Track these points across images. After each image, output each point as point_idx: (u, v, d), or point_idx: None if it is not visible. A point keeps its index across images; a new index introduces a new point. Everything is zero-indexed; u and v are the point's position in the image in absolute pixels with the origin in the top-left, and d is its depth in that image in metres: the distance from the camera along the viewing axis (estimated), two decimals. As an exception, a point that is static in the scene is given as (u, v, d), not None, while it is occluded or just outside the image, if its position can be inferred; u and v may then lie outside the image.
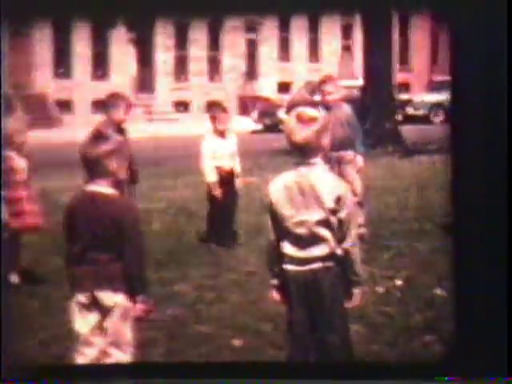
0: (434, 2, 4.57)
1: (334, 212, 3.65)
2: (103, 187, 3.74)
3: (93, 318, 3.79)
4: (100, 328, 3.78)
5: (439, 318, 5.22)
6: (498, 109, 3.95)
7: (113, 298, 3.75)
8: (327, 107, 7.42)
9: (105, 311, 3.77)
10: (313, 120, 3.66)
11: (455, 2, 4.06)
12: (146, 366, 4.12)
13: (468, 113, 4.04)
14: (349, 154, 7.66)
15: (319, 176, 3.69)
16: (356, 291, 3.80)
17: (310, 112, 3.70)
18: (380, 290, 5.86)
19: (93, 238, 3.71)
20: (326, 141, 3.71)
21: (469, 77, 4.03)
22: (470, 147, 4.03)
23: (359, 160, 7.73)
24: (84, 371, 3.91)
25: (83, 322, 3.80)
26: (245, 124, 22.25)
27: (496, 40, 3.95)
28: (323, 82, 7.71)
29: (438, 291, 5.79)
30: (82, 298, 3.79)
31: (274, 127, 23.42)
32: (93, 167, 3.72)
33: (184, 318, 5.48)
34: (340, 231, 3.68)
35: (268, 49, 30.68)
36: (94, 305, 3.77)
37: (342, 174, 7.30)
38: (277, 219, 3.76)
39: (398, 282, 6.06)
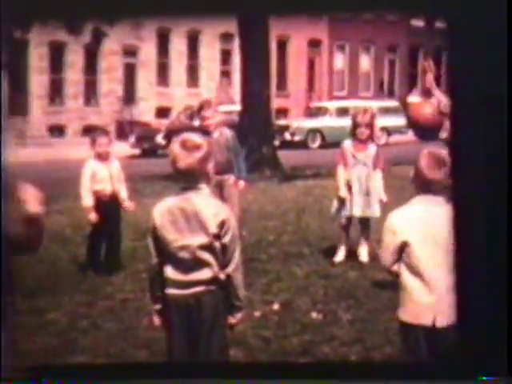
0: (434, 2, 4.60)
1: (217, 237, 3.68)
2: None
3: None
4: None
5: (315, 342, 5.28)
6: (498, 112, 4.00)
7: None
8: (206, 132, 7.45)
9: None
10: (197, 147, 3.69)
11: (455, 3, 4.09)
12: (145, 365, 3.97)
13: (468, 118, 4.08)
14: (230, 178, 7.70)
15: (203, 201, 3.71)
16: (238, 315, 3.84)
17: (195, 139, 3.73)
18: (257, 314, 5.87)
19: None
20: (210, 167, 3.75)
21: (468, 79, 4.07)
22: (470, 150, 4.07)
23: (240, 184, 7.79)
24: (84, 371, 3.80)
25: None
26: (122, 148, 21.98)
27: (496, 42, 4.00)
28: (201, 107, 7.74)
29: (314, 315, 5.85)
30: None
31: (152, 152, 23.30)
32: None
33: (57, 348, 5.31)
34: (223, 256, 3.71)
35: (146, 73, 30.53)
36: None
37: (223, 198, 7.34)
38: (160, 243, 3.75)
39: (275, 307, 6.09)
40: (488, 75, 4.00)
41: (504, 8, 3.98)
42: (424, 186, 3.76)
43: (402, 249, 3.77)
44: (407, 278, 3.79)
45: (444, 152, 3.83)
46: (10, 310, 3.59)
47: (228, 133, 7.79)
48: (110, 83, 29.45)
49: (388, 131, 25.95)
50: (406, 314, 3.82)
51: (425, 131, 5.77)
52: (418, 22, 36.70)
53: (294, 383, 3.92)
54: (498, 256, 3.91)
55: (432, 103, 5.90)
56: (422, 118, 5.56)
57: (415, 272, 3.76)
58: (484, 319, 3.92)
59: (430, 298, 3.74)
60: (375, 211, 7.44)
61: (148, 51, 30.41)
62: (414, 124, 5.57)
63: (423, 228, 3.75)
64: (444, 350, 3.81)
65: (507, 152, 3.95)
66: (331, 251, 7.93)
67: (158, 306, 3.87)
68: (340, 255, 7.63)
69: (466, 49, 4.06)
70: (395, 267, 3.82)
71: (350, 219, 7.62)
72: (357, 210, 7.47)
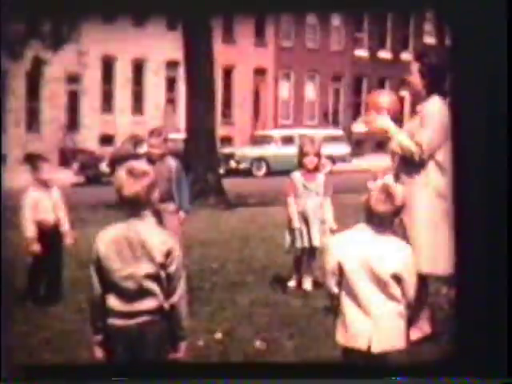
0: (435, 1, 4.59)
1: (163, 266, 3.65)
2: None
3: None
4: None
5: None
6: (498, 110, 3.99)
7: None
8: (152, 160, 7.40)
9: None
10: (144, 174, 3.67)
11: (455, 2, 4.09)
12: (145, 366, 3.88)
13: (468, 115, 4.07)
14: (169, 207, 7.65)
15: (149, 230, 3.68)
16: (181, 345, 3.80)
17: (142, 166, 3.72)
18: (200, 343, 5.80)
19: None
20: (155, 195, 3.72)
21: (469, 77, 4.07)
22: (470, 152, 4.07)
23: (180, 215, 7.74)
24: (84, 371, 3.75)
25: None
26: (65, 176, 21.74)
27: (496, 41, 4.00)
28: (150, 134, 7.69)
29: (258, 343, 5.81)
30: None
31: (96, 180, 23.08)
32: None
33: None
34: (168, 285, 3.68)
35: (90, 100, 30.31)
36: None
37: (166, 227, 7.28)
38: (103, 272, 3.70)
39: (219, 335, 6.03)
40: (488, 76, 4.03)
41: (504, 8, 4.02)
42: (368, 215, 3.81)
43: (340, 271, 3.80)
44: (345, 301, 3.82)
45: (397, 187, 3.88)
46: None
47: (172, 162, 7.74)
48: (52, 110, 29.15)
49: (332, 159, 26.18)
50: (343, 337, 3.84)
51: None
52: (362, 52, 37.25)
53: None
54: (498, 257, 3.93)
55: (390, 93, 5.97)
56: (379, 107, 5.58)
57: (351, 295, 3.80)
58: (484, 319, 3.93)
59: (364, 322, 3.76)
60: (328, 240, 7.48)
61: (92, 78, 30.23)
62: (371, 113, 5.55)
63: (358, 253, 3.79)
64: (382, 374, 3.82)
65: (507, 153, 3.98)
66: (275, 279, 7.92)
67: (99, 337, 3.81)
68: (292, 282, 7.63)
69: (466, 50, 4.09)
70: (335, 289, 3.84)
71: (304, 249, 7.62)
72: (316, 240, 7.50)
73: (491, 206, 4.04)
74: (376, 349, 3.74)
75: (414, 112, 5.80)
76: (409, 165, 5.59)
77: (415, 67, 5.70)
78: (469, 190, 4.15)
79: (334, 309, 3.93)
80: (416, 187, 5.56)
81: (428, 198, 5.56)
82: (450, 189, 4.58)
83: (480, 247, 4.04)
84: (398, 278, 3.74)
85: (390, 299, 3.75)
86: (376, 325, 3.73)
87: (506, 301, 3.97)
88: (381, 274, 3.73)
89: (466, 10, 4.10)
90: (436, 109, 5.60)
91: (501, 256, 3.99)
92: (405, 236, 5.49)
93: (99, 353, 3.82)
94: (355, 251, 3.78)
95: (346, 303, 3.81)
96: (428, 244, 5.50)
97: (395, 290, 3.74)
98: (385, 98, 5.75)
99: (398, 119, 5.77)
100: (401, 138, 5.61)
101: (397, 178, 5.45)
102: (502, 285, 3.98)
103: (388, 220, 3.80)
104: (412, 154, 5.53)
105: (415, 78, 5.70)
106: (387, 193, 3.79)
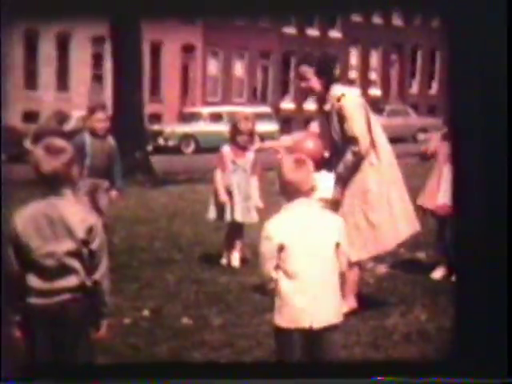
0: (435, 1, 4.55)
1: (85, 243, 3.59)
2: None
3: None
4: None
5: (185, 347, 5.24)
6: (497, 110, 3.98)
7: None
8: (95, 135, 7.35)
9: None
10: (61, 150, 3.59)
11: (455, 2, 4.06)
12: (145, 365, 3.77)
13: (467, 114, 4.04)
14: (105, 183, 7.58)
15: (69, 207, 3.61)
16: (104, 322, 3.75)
17: (59, 142, 3.64)
18: (127, 321, 5.77)
19: None
20: (74, 171, 3.65)
21: (467, 77, 4.05)
22: (469, 151, 4.06)
23: (113, 193, 7.67)
24: (84, 371, 3.70)
25: None
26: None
27: (496, 41, 3.98)
28: (93, 109, 7.57)
29: (185, 320, 5.81)
30: None
31: (18, 157, 22.60)
32: None
33: None
34: (91, 262, 3.62)
35: (13, 76, 29.64)
36: None
37: (95, 202, 7.24)
38: (21, 251, 3.60)
39: (145, 313, 6.00)
40: (488, 74, 4.05)
41: (504, 5, 4.03)
42: (282, 186, 3.80)
43: (280, 253, 3.75)
44: (283, 282, 3.77)
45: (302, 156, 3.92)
46: None
47: (111, 139, 7.69)
48: (-26, 86, 28.43)
49: (261, 137, 26.23)
50: (282, 319, 3.79)
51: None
52: (291, 30, 37.33)
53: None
54: (498, 256, 3.96)
55: (314, 137, 6.14)
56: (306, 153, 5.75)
57: (290, 275, 3.75)
58: (484, 319, 3.96)
59: (304, 300, 3.72)
60: (253, 217, 7.50)
61: (14, 53, 29.54)
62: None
63: (297, 229, 3.75)
64: (322, 351, 3.81)
65: (507, 153, 4.01)
66: (203, 256, 7.92)
67: (18, 317, 3.70)
68: (235, 259, 7.58)
69: (464, 46, 4.10)
70: (274, 274, 3.78)
71: (233, 224, 7.59)
72: (238, 215, 7.49)
73: (491, 206, 4.08)
74: (317, 325, 3.73)
75: (322, 113, 5.88)
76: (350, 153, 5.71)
77: (310, 73, 5.77)
78: (468, 190, 4.18)
79: (270, 294, 3.87)
80: (363, 170, 5.70)
81: (375, 176, 5.70)
82: (450, 189, 4.65)
83: (480, 247, 4.07)
84: (337, 246, 3.75)
85: (328, 273, 3.75)
86: (316, 301, 3.72)
87: (506, 301, 4.01)
88: (319, 248, 3.74)
89: (465, 8, 4.12)
90: (345, 96, 5.70)
91: (501, 256, 4.02)
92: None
93: (18, 333, 3.73)
94: (291, 227, 3.75)
95: (284, 284, 3.76)
96: (387, 220, 5.70)
97: (333, 260, 3.76)
98: (310, 144, 5.92)
99: None
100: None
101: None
102: (502, 284, 4.02)
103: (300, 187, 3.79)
104: (357, 154, 5.66)
105: (315, 82, 5.78)
106: (297, 160, 3.80)
